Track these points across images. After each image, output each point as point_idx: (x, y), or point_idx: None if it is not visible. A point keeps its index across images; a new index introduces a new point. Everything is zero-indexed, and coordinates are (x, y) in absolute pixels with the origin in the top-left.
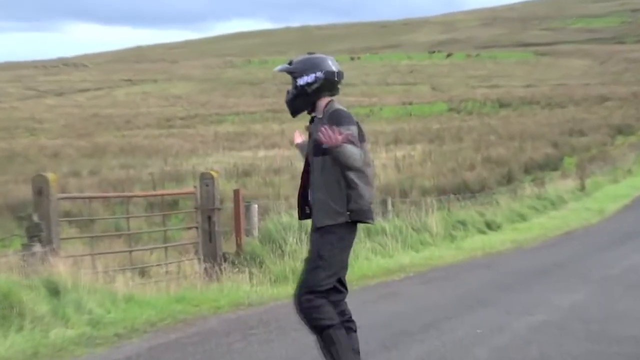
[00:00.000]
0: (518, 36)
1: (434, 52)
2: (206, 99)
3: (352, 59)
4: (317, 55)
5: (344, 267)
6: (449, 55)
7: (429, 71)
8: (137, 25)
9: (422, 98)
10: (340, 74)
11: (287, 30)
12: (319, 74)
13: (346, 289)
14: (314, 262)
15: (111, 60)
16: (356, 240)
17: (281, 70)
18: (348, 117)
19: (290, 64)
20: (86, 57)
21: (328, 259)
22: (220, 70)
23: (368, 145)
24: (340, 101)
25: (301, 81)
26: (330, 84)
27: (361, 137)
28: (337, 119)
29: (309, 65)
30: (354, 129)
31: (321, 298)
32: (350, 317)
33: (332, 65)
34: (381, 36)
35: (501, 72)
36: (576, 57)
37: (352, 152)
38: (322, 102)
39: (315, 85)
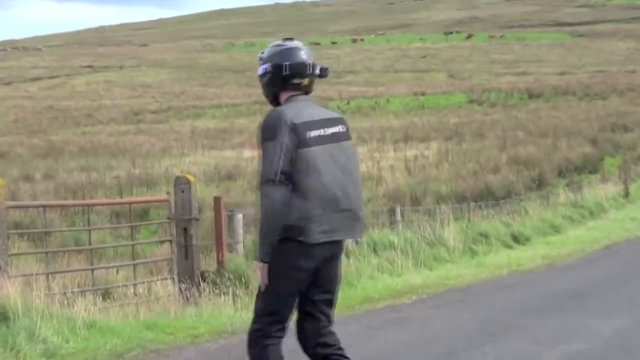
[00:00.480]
0: (550, 14)
1: (451, 33)
2: (181, 88)
3: (355, 41)
4: (285, 43)
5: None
6: (468, 37)
7: (445, 56)
8: (99, 2)
9: (437, 87)
10: (295, 67)
11: (277, 7)
12: (267, 65)
13: (328, 318)
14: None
15: (68, 43)
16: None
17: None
18: (272, 127)
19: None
20: (39, 39)
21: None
22: (198, 55)
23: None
24: (341, 91)
25: (259, 70)
26: (278, 78)
27: (302, 141)
28: (260, 129)
29: (268, 55)
30: (270, 145)
31: (266, 337)
32: (339, 347)
33: (295, 56)
34: (389, 14)
35: (530, 57)
36: (618, 38)
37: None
38: (283, 97)
39: (266, 78)
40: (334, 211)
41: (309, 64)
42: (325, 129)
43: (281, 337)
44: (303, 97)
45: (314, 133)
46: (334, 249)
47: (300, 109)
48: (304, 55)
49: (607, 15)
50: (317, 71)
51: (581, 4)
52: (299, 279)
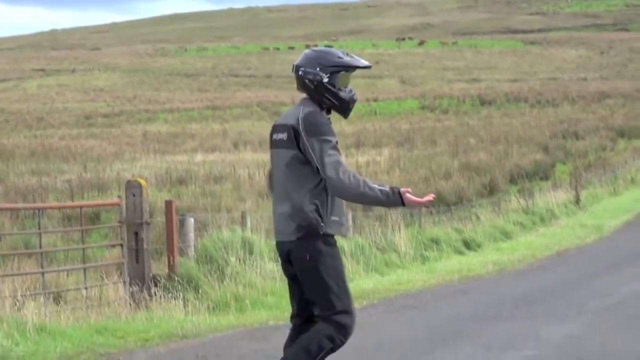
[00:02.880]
0: (503, 22)
1: (403, 39)
2: (134, 92)
3: (308, 47)
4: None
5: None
6: (421, 44)
7: (397, 62)
8: (51, 5)
9: (390, 93)
10: (295, 68)
11: (230, 12)
12: None
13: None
14: None
15: (21, 46)
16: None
17: None
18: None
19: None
20: None
21: None
22: (150, 59)
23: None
24: (294, 97)
25: None
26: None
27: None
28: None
29: None
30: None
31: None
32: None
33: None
34: (341, 20)
35: (483, 64)
36: (570, 46)
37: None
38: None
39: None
40: (274, 213)
41: (293, 65)
42: (276, 134)
43: None
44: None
45: (273, 136)
46: (281, 249)
47: (285, 111)
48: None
49: (559, 23)
50: (295, 72)
51: (534, 12)
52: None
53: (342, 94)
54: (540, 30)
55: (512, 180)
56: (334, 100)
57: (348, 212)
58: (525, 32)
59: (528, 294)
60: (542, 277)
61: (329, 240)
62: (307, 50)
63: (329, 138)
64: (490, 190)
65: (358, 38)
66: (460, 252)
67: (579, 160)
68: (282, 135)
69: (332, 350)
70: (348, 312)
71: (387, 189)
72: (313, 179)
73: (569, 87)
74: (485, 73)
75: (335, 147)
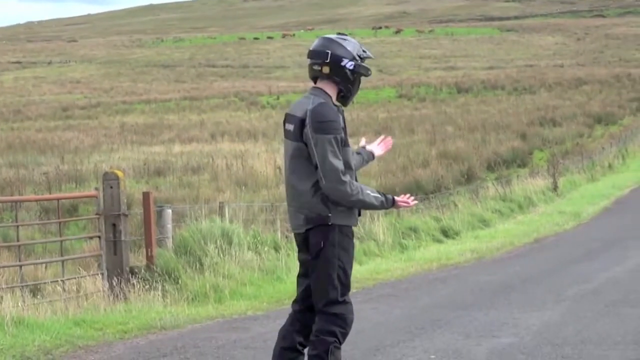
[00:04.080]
0: (479, 9)
1: (379, 27)
2: (110, 84)
3: (284, 36)
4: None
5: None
6: (397, 32)
7: (374, 50)
8: None
9: (367, 82)
10: (331, 56)
11: (206, 2)
12: None
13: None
14: None
15: None
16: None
17: None
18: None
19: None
20: None
21: None
22: (127, 51)
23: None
24: (271, 86)
25: None
26: None
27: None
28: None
29: None
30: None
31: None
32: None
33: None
34: (318, 9)
35: (459, 52)
36: (547, 32)
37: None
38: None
39: None
40: (288, 205)
41: (328, 53)
42: (287, 124)
43: None
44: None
45: (285, 126)
46: (296, 239)
47: (295, 100)
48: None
49: (535, 9)
50: (334, 60)
51: None
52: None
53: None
54: (516, 17)
55: (490, 168)
56: (353, 92)
57: None
58: (501, 19)
59: (506, 282)
60: (520, 265)
61: (345, 230)
62: (338, 38)
63: (332, 137)
64: (468, 178)
65: (334, 27)
66: (439, 241)
67: (556, 147)
68: (290, 127)
69: (339, 342)
70: (340, 301)
71: (382, 197)
72: (313, 171)
73: (546, 74)
74: (462, 61)
75: (337, 146)
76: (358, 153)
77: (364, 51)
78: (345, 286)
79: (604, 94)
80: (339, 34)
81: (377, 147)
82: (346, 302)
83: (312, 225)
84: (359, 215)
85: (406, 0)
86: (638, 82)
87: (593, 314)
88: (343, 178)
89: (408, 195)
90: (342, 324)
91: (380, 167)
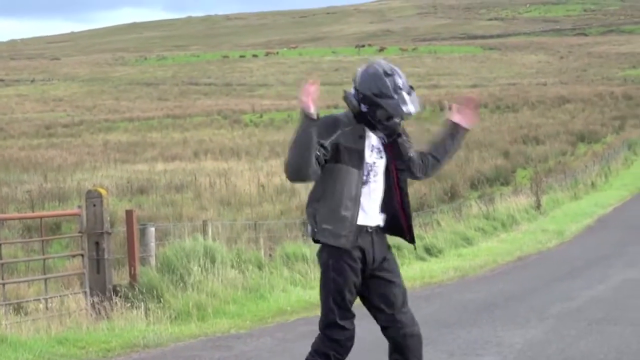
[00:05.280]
0: (462, 27)
1: (363, 46)
2: (93, 102)
3: (267, 54)
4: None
5: None
6: (381, 50)
7: (357, 69)
8: (10, 15)
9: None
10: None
11: (189, 21)
12: None
13: None
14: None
15: None
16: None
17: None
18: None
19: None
20: None
21: None
22: (110, 69)
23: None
24: (254, 105)
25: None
26: None
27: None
28: None
29: None
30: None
31: None
32: None
33: None
34: (301, 27)
35: (442, 70)
36: (530, 51)
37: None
38: None
39: None
40: None
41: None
42: None
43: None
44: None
45: None
46: None
47: None
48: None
49: (518, 28)
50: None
51: (492, 17)
52: None
53: (379, 125)
54: (499, 36)
55: (473, 186)
56: (372, 119)
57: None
58: (484, 37)
59: (490, 300)
60: (503, 283)
61: (332, 251)
62: (362, 67)
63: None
64: (451, 196)
65: (318, 45)
66: (422, 259)
67: (539, 165)
68: None
69: None
70: (340, 325)
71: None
72: (315, 184)
73: (529, 92)
74: (445, 79)
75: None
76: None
77: (383, 90)
78: (344, 309)
79: (587, 112)
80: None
81: (456, 114)
82: (345, 328)
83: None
84: (356, 238)
85: (389, 18)
86: (621, 101)
87: (576, 332)
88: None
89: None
90: (337, 348)
91: None
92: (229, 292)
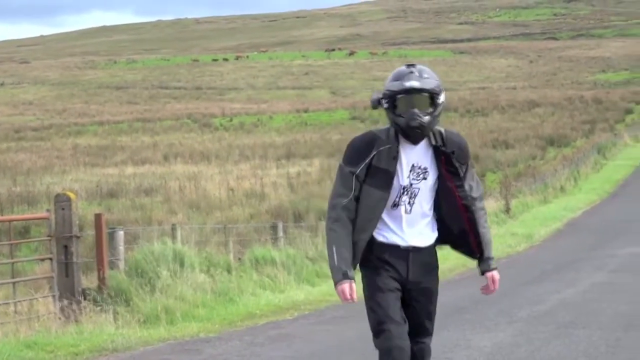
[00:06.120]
0: (432, 31)
1: (333, 50)
2: (63, 106)
3: (238, 58)
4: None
5: None
6: (351, 54)
7: (327, 72)
8: None
9: (320, 104)
10: None
11: (159, 24)
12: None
13: None
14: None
15: None
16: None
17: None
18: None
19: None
20: None
21: None
22: (79, 72)
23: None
24: (224, 108)
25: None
26: None
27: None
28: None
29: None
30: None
31: None
32: None
33: None
34: (271, 31)
35: None
36: (499, 55)
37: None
38: None
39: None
40: None
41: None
42: None
43: None
44: None
45: None
46: None
47: None
48: None
49: (488, 32)
50: None
51: (462, 22)
52: None
53: (399, 120)
54: (469, 40)
55: None
56: (395, 124)
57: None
58: (454, 41)
59: (459, 304)
60: (473, 287)
61: (365, 262)
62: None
63: (344, 167)
64: None
65: (287, 49)
66: None
67: (508, 169)
68: None
69: None
70: (375, 333)
71: (335, 264)
72: None
73: (499, 96)
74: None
75: (342, 178)
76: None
77: (390, 81)
78: (379, 317)
79: (557, 116)
80: (408, 65)
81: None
82: (378, 337)
83: None
84: (371, 252)
85: (360, 22)
86: (590, 105)
87: (545, 336)
88: (331, 202)
89: (354, 295)
90: (382, 357)
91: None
92: (198, 296)
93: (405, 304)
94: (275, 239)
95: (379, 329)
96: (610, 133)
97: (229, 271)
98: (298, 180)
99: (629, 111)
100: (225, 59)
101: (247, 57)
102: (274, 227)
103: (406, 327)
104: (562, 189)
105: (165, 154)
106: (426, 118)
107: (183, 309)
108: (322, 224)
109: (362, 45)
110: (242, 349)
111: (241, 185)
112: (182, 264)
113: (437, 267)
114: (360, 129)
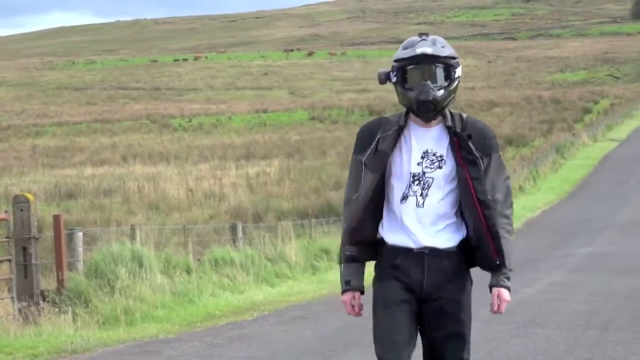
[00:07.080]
0: (390, 32)
1: (292, 50)
2: (21, 107)
3: (196, 58)
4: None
5: None
6: (309, 54)
7: (286, 73)
8: None
9: (279, 105)
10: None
11: (118, 25)
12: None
13: None
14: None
15: None
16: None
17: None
18: None
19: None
20: None
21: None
22: (38, 73)
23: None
24: (183, 109)
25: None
26: None
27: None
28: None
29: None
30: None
31: None
32: None
33: None
34: (230, 32)
35: (371, 74)
36: (459, 55)
37: None
38: None
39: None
40: None
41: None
42: None
43: None
44: None
45: None
46: None
47: None
48: None
49: (446, 32)
50: None
51: (421, 22)
52: None
53: (409, 94)
54: None
55: None
56: (403, 101)
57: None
58: None
59: None
60: None
61: (376, 268)
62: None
63: (354, 157)
64: None
65: (247, 49)
66: None
67: None
68: None
69: None
70: (377, 355)
71: (341, 269)
72: None
73: (458, 95)
74: (374, 83)
75: (352, 168)
76: None
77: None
78: (380, 338)
79: (515, 116)
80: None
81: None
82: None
83: None
84: (382, 257)
85: (318, 23)
86: (549, 104)
87: (504, 335)
88: (345, 197)
89: (357, 309)
90: None
91: (293, 189)
92: (157, 297)
93: (422, 323)
94: (234, 240)
95: (376, 353)
96: (568, 133)
97: (188, 272)
98: (257, 181)
99: (587, 111)
100: (185, 60)
101: (206, 57)
102: (233, 228)
103: (412, 347)
104: (520, 188)
105: (124, 155)
106: (440, 92)
107: (142, 310)
108: (281, 224)
109: (321, 46)
110: (202, 349)
111: (200, 185)
112: (141, 265)
113: (465, 275)
114: (319, 129)
